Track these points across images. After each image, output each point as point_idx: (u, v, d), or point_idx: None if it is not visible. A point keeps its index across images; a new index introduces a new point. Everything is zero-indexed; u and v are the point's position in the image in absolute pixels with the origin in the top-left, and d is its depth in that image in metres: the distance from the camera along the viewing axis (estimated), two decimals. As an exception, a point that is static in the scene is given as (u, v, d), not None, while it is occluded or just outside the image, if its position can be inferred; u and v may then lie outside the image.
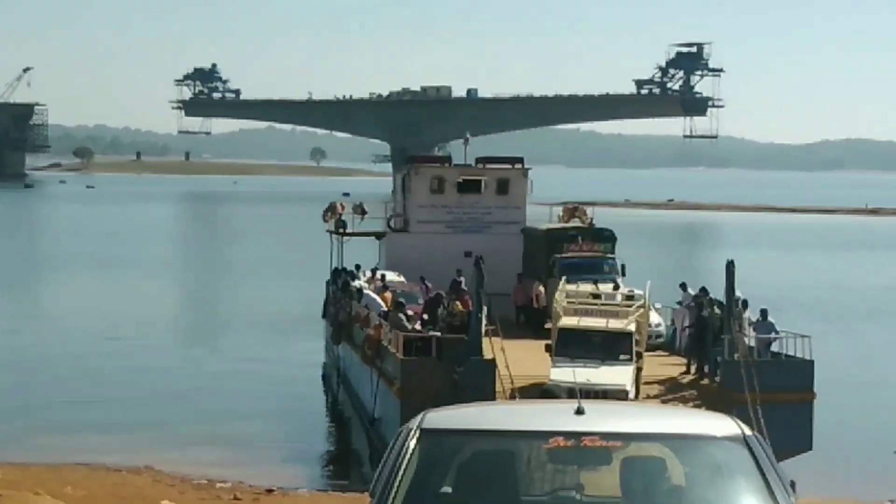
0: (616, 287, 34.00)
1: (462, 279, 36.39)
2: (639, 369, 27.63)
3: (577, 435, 6.43)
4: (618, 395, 24.93)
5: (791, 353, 28.16)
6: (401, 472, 6.38)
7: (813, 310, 56.46)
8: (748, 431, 6.57)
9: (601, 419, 6.62)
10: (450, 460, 6.50)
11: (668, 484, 6.45)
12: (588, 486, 6.52)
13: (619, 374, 26.00)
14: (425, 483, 6.41)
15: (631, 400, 25.33)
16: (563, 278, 33.01)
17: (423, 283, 36.81)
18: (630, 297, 31.17)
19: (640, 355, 27.89)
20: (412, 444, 6.49)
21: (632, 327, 27.66)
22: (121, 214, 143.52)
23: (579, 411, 6.59)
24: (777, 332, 28.99)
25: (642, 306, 28.80)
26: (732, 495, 6.32)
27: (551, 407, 7.32)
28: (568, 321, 27.94)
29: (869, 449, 30.19)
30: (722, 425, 6.64)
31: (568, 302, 29.25)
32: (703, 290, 32.17)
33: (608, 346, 26.98)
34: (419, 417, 6.74)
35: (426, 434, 6.55)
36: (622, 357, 26.79)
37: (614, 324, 27.74)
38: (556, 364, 26.34)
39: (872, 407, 37.02)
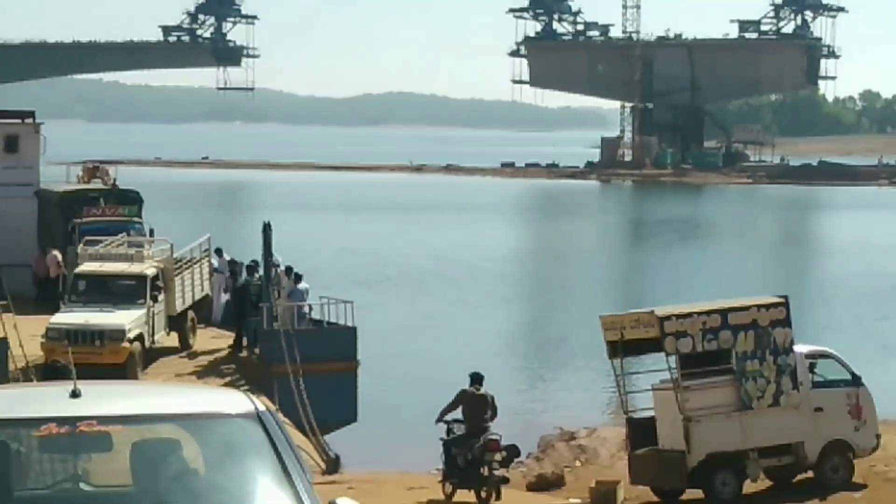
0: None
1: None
2: (185, 316, 30.48)
3: (72, 420, 6.29)
4: (114, 334, 26.70)
5: (333, 320, 28.86)
6: None
7: (355, 274, 58.06)
8: (262, 407, 6.64)
9: (99, 402, 6.50)
10: None
11: (182, 467, 6.44)
12: (94, 475, 6.44)
13: (121, 316, 27.31)
14: None
15: (132, 339, 27.16)
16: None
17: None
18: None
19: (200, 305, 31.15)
20: None
21: (150, 271, 29.02)
22: None
23: (75, 394, 6.46)
24: (307, 298, 29.67)
25: (171, 251, 31.01)
26: (246, 475, 6.38)
27: (44, 391, 7.14)
28: (85, 267, 29.42)
29: (413, 418, 31.37)
30: (234, 401, 6.67)
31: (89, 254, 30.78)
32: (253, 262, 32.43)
33: (125, 291, 28.35)
34: None
35: None
36: (139, 301, 28.14)
37: (133, 268, 29.21)
38: (64, 308, 27.80)
39: (414, 374, 38.56)
